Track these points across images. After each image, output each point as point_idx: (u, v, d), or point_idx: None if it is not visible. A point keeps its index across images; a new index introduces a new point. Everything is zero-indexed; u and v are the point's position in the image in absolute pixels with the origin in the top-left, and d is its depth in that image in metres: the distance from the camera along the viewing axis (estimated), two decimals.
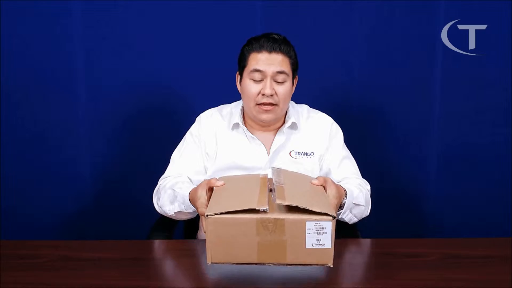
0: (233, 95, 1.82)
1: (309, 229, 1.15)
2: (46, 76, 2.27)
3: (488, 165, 2.37)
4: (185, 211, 1.60)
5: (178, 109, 2.30)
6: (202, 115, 1.82)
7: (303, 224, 1.15)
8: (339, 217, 1.59)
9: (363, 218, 1.67)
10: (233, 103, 1.82)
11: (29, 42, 2.24)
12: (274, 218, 1.15)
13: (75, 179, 2.35)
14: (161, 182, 1.73)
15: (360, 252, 1.53)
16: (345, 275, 1.36)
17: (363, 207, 1.63)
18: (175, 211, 1.63)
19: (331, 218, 1.15)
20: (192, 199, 1.51)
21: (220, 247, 1.16)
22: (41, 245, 1.53)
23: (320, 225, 1.15)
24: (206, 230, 1.17)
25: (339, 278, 1.31)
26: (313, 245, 1.15)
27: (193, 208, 1.54)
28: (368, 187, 1.73)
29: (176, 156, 1.78)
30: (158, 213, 1.73)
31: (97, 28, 2.24)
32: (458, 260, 1.42)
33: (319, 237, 1.15)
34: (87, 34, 2.24)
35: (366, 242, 1.60)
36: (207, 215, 1.16)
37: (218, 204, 1.24)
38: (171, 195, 1.64)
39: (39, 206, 2.36)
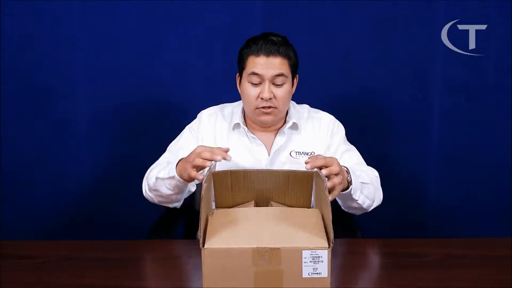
0: (233, 96, 1.82)
1: (305, 257, 1.15)
2: (46, 76, 2.26)
3: (488, 165, 2.37)
4: (164, 176, 1.58)
5: (178, 109, 2.29)
6: (203, 112, 1.81)
7: (299, 253, 1.15)
8: (353, 197, 1.54)
9: (374, 209, 1.65)
10: (235, 103, 1.82)
11: (29, 42, 2.23)
12: (270, 248, 1.14)
13: (75, 179, 2.35)
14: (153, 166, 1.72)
15: (360, 252, 1.53)
16: (345, 275, 1.36)
17: (371, 186, 1.60)
18: (157, 176, 1.61)
19: (327, 246, 1.15)
20: (182, 160, 1.53)
21: (217, 277, 1.16)
22: (41, 245, 1.53)
23: (316, 254, 1.15)
24: (202, 262, 1.15)
25: (339, 278, 1.31)
26: (310, 274, 1.15)
27: (173, 174, 1.53)
28: (376, 173, 1.70)
29: (173, 147, 1.78)
30: (149, 202, 1.73)
31: (97, 28, 2.23)
32: (458, 260, 1.42)
33: (315, 266, 1.15)
34: (87, 34, 2.23)
35: (366, 242, 1.60)
36: (203, 247, 1.15)
37: (216, 234, 1.21)
38: (163, 164, 1.65)
39: (39, 206, 2.36)
